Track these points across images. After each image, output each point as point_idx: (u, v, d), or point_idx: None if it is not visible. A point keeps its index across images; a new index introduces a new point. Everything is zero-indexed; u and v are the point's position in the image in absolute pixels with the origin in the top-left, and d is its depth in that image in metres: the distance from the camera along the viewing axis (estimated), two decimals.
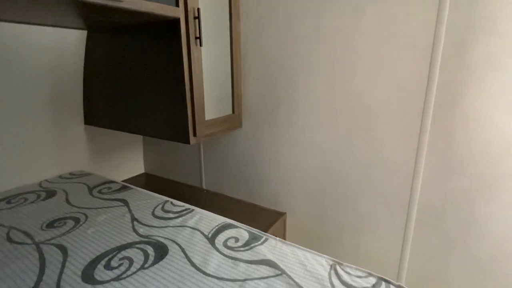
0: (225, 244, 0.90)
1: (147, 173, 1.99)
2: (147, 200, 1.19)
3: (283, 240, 0.93)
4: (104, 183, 1.35)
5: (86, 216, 1.05)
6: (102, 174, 1.64)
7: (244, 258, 0.84)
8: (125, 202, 1.17)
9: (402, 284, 0.74)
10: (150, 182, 1.88)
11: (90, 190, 1.28)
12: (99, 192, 1.26)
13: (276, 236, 0.94)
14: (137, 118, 1.32)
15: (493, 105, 0.93)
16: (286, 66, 1.30)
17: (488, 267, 1.04)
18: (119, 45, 1.29)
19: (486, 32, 0.90)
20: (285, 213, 1.47)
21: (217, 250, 0.87)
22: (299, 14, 1.21)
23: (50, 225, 0.99)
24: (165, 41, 1.11)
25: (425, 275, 1.18)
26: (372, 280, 0.76)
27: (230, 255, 0.85)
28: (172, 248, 0.88)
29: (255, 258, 0.83)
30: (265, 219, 1.42)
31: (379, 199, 1.21)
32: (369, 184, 1.22)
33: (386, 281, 0.75)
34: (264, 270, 0.79)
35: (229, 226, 1.00)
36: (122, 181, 1.83)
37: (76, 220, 1.02)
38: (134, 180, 1.87)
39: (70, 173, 1.48)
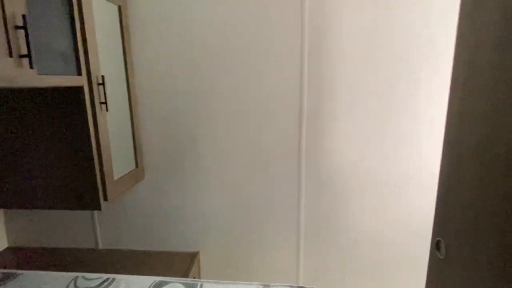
0: None
1: (12, 247, 1.61)
2: (50, 284, 1.04)
3: (216, 280, 1.06)
4: None
5: None
6: None
7: None
8: None
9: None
10: (21, 257, 1.54)
11: None
12: None
13: (194, 276, 1.03)
14: (19, 190, 1.12)
15: (345, 143, 1.39)
16: (186, 117, 1.42)
17: (352, 252, 1.50)
18: None
19: (344, 91, 1.33)
20: (198, 251, 1.56)
21: None
22: (196, 70, 1.37)
23: None
24: (64, 106, 1.03)
25: (315, 269, 1.55)
26: None
27: None
28: None
29: None
30: (181, 263, 1.46)
31: (276, 221, 1.51)
32: (268, 211, 1.50)
33: None
34: None
35: (162, 284, 1.03)
36: None
37: None
38: None
39: None
